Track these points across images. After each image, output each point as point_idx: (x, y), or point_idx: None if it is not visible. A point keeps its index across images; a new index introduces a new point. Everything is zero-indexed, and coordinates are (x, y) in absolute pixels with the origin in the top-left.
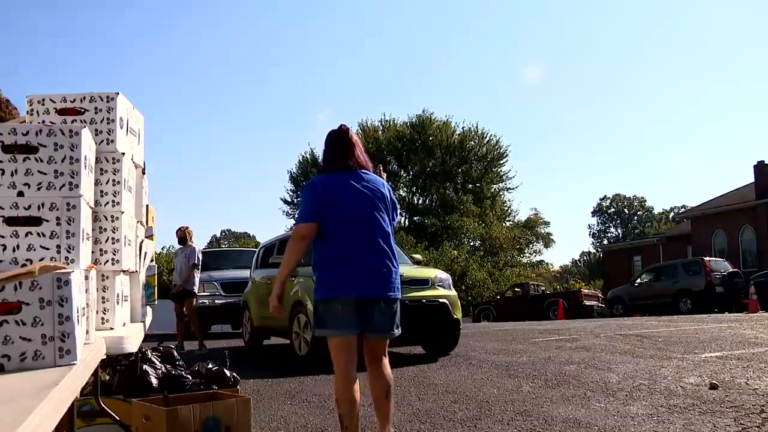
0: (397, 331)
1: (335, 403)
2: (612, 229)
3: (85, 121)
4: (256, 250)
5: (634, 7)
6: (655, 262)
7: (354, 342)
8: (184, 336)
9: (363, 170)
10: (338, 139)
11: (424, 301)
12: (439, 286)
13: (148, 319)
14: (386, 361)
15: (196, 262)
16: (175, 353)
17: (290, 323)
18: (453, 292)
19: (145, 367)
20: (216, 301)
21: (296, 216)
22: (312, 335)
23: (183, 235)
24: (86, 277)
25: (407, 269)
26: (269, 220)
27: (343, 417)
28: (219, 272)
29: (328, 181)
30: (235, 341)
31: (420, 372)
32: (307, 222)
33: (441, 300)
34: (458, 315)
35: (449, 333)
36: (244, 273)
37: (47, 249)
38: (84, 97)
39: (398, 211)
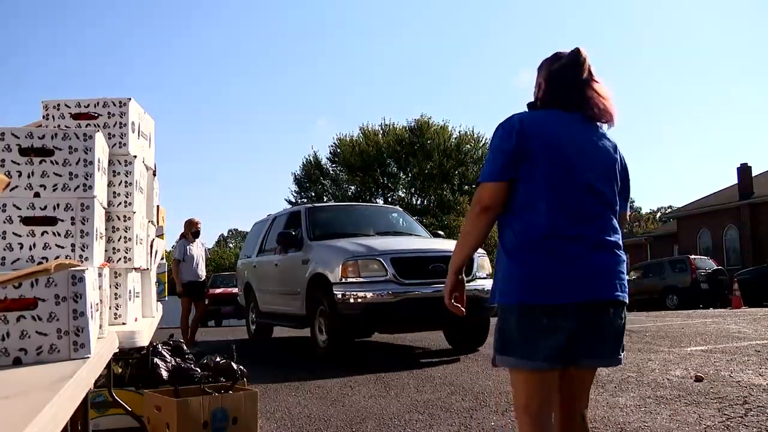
0: (623, 357)
1: None
2: None
3: (99, 126)
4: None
5: (623, 12)
6: (643, 260)
7: (555, 377)
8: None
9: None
10: (569, 65)
11: None
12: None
13: (159, 315)
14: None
15: (177, 256)
16: (184, 347)
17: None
18: None
19: (156, 360)
20: (384, 294)
21: (479, 174)
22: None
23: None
24: (99, 275)
25: None
26: None
27: None
28: (380, 240)
29: (536, 119)
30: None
31: (415, 364)
32: (492, 181)
33: None
34: None
35: None
36: (424, 243)
37: (62, 248)
38: (97, 103)
39: (629, 193)
